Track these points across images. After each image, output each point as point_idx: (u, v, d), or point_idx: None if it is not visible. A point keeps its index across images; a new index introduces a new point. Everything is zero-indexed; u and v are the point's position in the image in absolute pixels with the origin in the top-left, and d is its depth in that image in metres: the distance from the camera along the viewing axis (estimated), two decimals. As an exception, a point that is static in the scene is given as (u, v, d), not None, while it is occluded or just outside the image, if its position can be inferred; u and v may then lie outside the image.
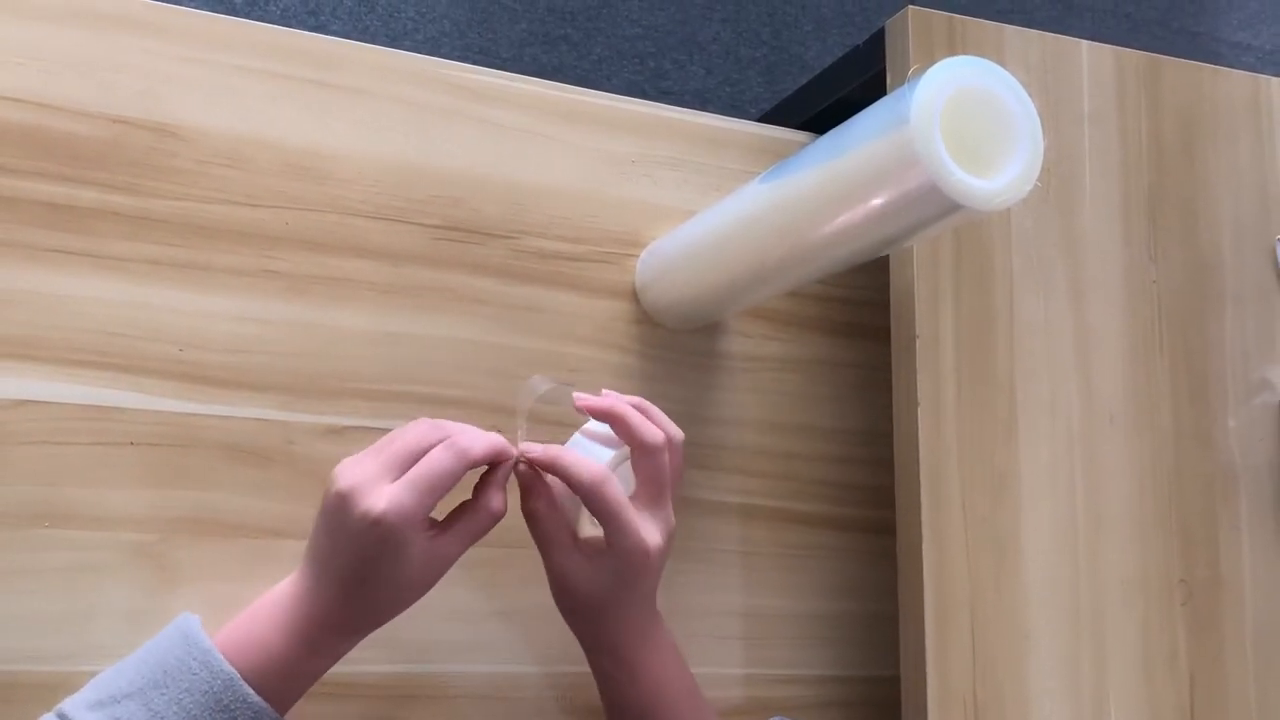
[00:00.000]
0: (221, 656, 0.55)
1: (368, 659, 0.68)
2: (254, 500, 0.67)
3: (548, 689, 0.72)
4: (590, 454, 0.63)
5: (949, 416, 0.74)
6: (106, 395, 0.65)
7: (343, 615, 0.58)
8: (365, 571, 0.57)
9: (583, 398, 0.63)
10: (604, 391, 0.64)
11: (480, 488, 0.61)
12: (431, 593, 0.70)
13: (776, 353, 0.81)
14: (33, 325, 0.64)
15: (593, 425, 0.64)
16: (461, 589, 0.71)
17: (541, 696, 0.72)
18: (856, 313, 0.84)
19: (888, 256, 0.77)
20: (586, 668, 0.73)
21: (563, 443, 0.65)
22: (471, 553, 0.71)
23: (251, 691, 0.55)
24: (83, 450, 0.64)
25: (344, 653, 0.60)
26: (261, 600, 0.59)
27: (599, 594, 0.62)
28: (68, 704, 0.55)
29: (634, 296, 0.78)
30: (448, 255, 0.73)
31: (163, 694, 0.54)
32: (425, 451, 0.57)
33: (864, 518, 0.82)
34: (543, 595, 0.73)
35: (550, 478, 0.62)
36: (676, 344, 0.78)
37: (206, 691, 0.54)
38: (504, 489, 0.61)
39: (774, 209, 0.63)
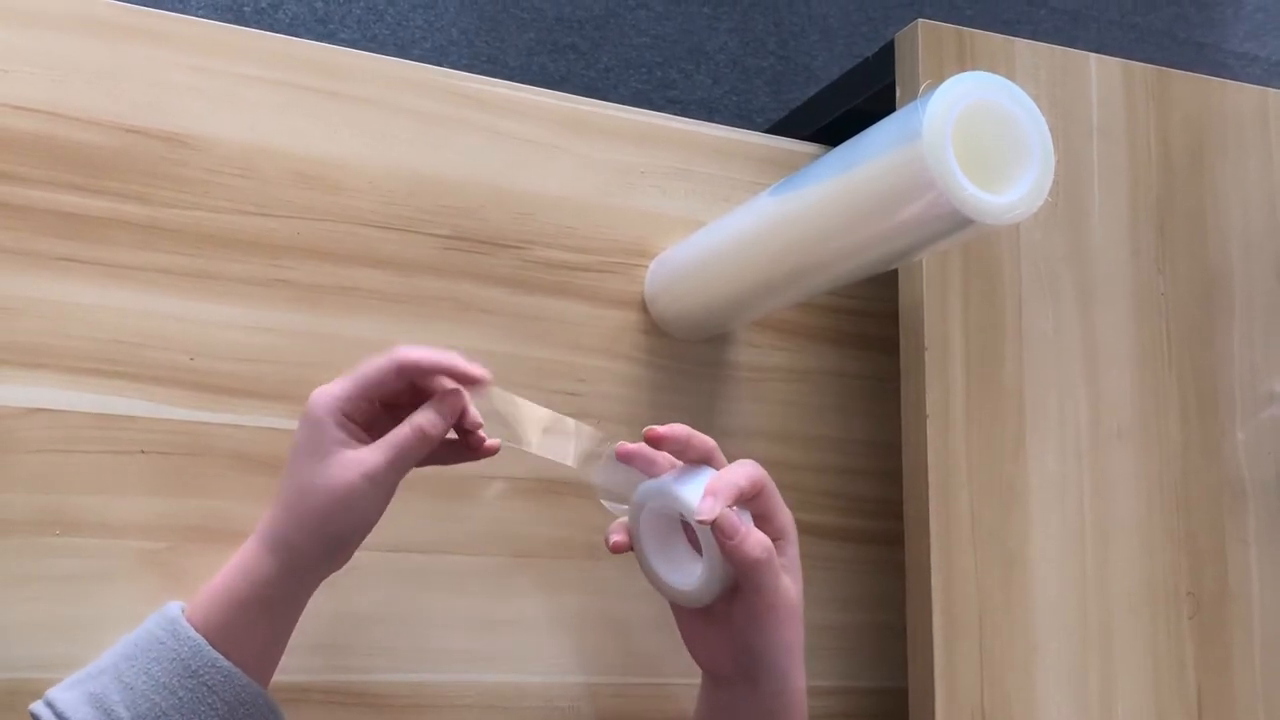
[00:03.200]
0: (188, 624, 0.56)
1: (374, 668, 0.68)
2: (263, 509, 0.66)
3: (555, 699, 0.72)
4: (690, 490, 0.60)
5: (957, 428, 0.74)
6: (117, 403, 0.65)
7: (267, 522, 0.58)
8: (290, 461, 0.58)
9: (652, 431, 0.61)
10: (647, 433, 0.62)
11: (421, 408, 0.59)
12: (437, 601, 0.70)
13: (785, 363, 0.81)
14: (43, 333, 0.64)
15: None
16: (468, 598, 0.71)
17: (548, 707, 0.72)
18: (865, 324, 0.84)
19: (897, 268, 0.77)
20: (593, 678, 0.73)
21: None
22: (478, 561, 0.71)
23: (219, 655, 0.55)
24: (92, 458, 0.64)
25: (309, 584, 0.59)
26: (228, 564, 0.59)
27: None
28: (52, 689, 0.56)
29: (643, 306, 0.78)
30: (457, 265, 0.74)
31: (132, 665, 0.54)
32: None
33: (872, 529, 0.82)
34: (548, 605, 0.73)
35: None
36: (685, 354, 0.78)
37: (174, 659, 0.54)
38: (443, 414, 0.59)
39: (784, 222, 0.63)
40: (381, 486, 0.57)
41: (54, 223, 0.65)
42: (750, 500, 0.60)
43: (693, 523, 0.59)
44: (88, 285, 0.65)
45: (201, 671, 0.55)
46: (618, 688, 0.73)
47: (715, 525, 0.57)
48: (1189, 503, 0.80)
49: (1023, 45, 0.81)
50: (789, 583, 0.60)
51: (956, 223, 0.53)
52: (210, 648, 0.55)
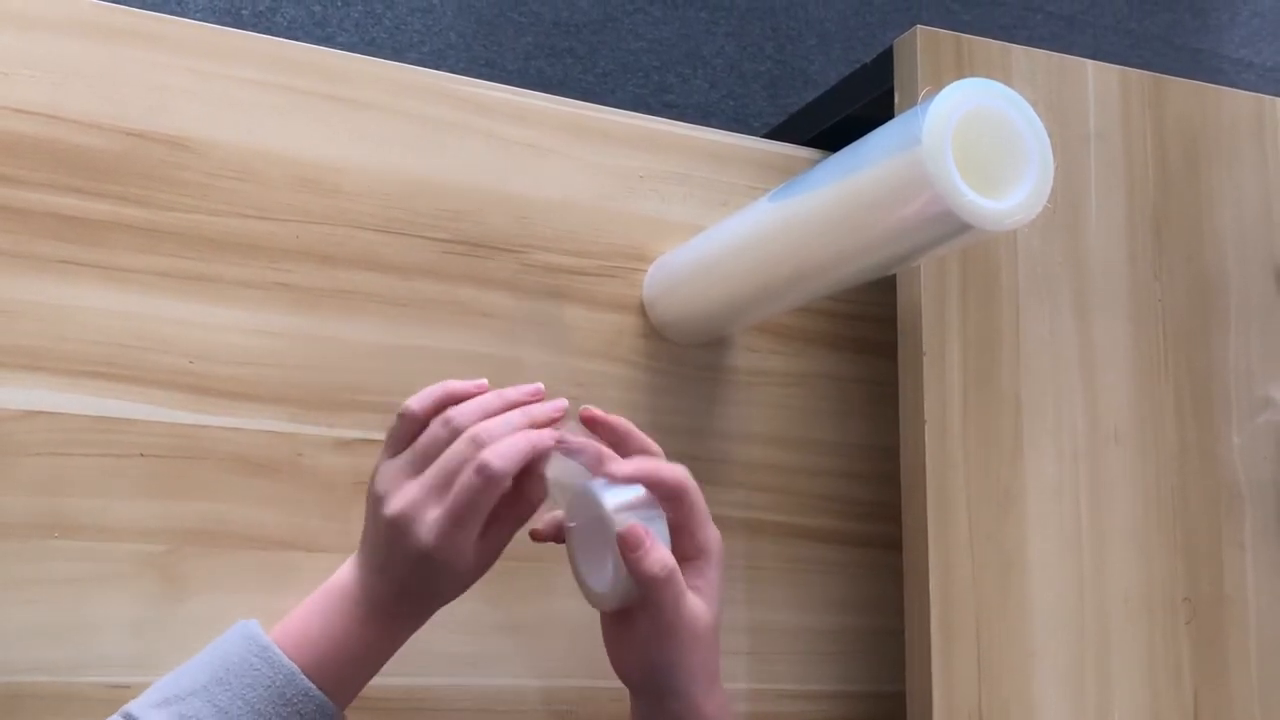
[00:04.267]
0: (281, 652, 0.56)
1: (374, 672, 0.68)
2: (262, 512, 0.67)
3: (553, 704, 0.72)
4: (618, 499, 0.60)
5: (955, 432, 0.74)
6: (116, 406, 0.65)
7: (398, 608, 0.60)
8: (420, 586, 0.59)
9: (588, 412, 0.62)
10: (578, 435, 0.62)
11: (518, 478, 0.59)
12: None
13: (783, 367, 0.82)
14: (43, 336, 0.64)
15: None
16: (465, 602, 0.71)
17: (547, 711, 0.72)
18: (863, 328, 0.84)
19: (895, 273, 0.77)
20: (589, 682, 0.73)
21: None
22: (478, 566, 0.71)
23: (312, 685, 0.56)
24: (92, 461, 0.64)
25: (402, 640, 0.61)
26: (316, 596, 0.60)
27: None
28: (133, 705, 0.55)
29: (641, 311, 0.78)
30: (456, 269, 0.74)
31: (226, 690, 0.55)
32: (462, 465, 0.57)
33: (870, 533, 0.82)
34: (546, 609, 0.73)
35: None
36: (683, 358, 0.79)
37: (269, 686, 0.55)
38: (542, 474, 0.60)
39: (783, 227, 0.63)
40: (451, 539, 0.57)
41: (54, 226, 0.65)
42: (673, 510, 0.60)
43: (609, 524, 0.58)
44: (87, 288, 0.66)
45: (295, 700, 0.55)
46: (616, 692, 0.73)
47: (620, 536, 0.57)
48: (1185, 507, 0.81)
49: (1020, 52, 0.81)
50: (696, 604, 0.59)
51: (955, 228, 0.53)
52: (304, 677, 0.56)
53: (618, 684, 0.68)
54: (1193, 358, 0.83)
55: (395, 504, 0.58)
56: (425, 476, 0.58)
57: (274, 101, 0.71)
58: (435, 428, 0.59)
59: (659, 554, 0.57)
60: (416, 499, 0.57)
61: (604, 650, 0.63)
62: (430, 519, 0.57)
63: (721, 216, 0.75)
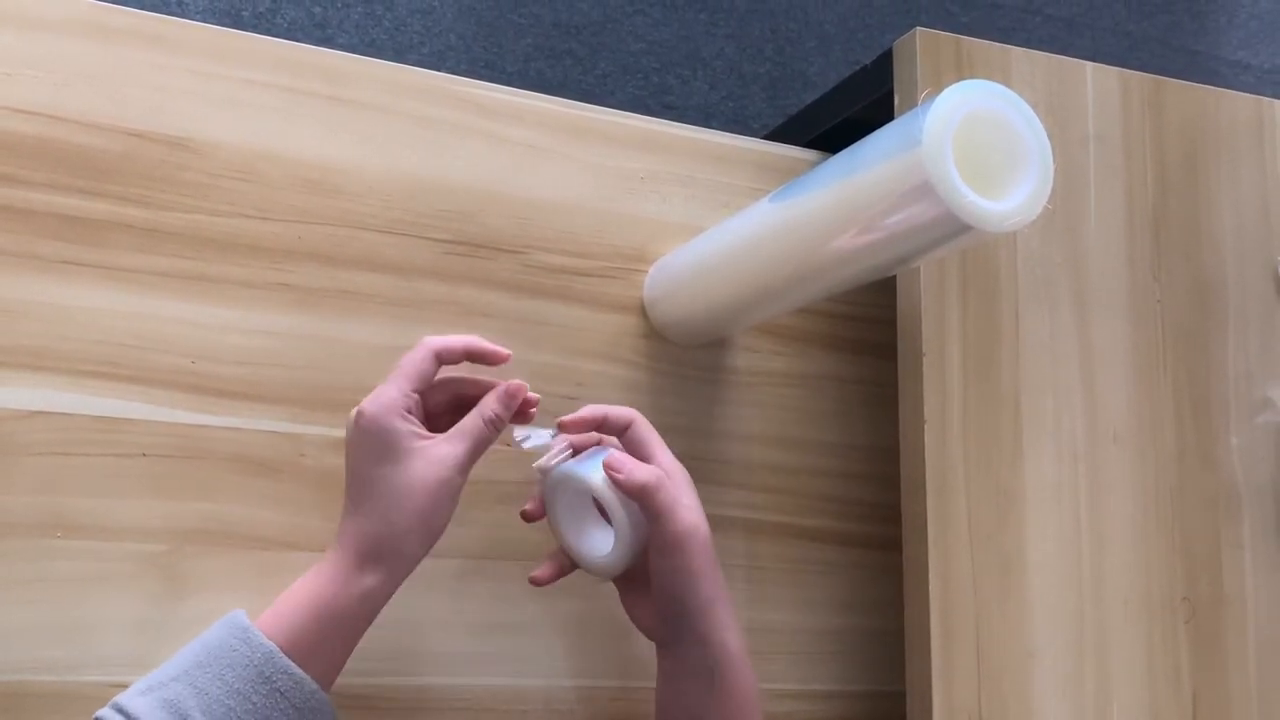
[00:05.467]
0: (260, 633, 0.56)
1: (374, 671, 0.68)
2: (264, 512, 0.67)
3: (554, 703, 0.72)
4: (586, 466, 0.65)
5: (955, 433, 0.75)
6: (118, 406, 0.65)
7: (360, 537, 0.59)
8: (366, 472, 0.59)
9: (566, 420, 0.66)
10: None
11: (486, 398, 0.63)
12: (437, 605, 0.70)
13: (783, 368, 0.82)
14: (45, 336, 0.64)
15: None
16: (467, 602, 0.71)
17: (547, 710, 0.72)
18: (863, 329, 0.84)
19: (895, 275, 0.77)
20: (590, 682, 0.73)
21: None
22: (478, 565, 0.71)
23: (292, 663, 0.56)
24: (93, 461, 0.64)
25: (377, 597, 0.60)
26: (299, 579, 0.60)
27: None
28: (120, 696, 0.55)
29: (642, 311, 0.78)
30: (457, 269, 0.74)
31: (206, 672, 0.55)
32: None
33: (869, 533, 0.82)
34: (546, 609, 0.73)
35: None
36: (684, 359, 0.79)
37: (248, 665, 0.55)
38: (504, 402, 0.63)
39: (784, 228, 0.63)
40: (464, 476, 0.60)
41: (55, 226, 0.66)
42: (629, 445, 0.65)
43: (590, 488, 0.63)
44: (89, 288, 0.66)
45: (274, 677, 0.55)
46: (616, 691, 0.73)
47: (606, 464, 0.62)
48: (1184, 508, 0.81)
49: (1019, 54, 0.82)
50: (690, 512, 0.62)
51: (956, 229, 0.53)
52: (282, 655, 0.56)
53: (618, 683, 0.68)
54: (1191, 359, 0.83)
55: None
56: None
57: (276, 102, 0.71)
58: None
59: (645, 467, 0.62)
60: (373, 398, 0.61)
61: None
62: (378, 395, 0.60)
63: (722, 218, 0.76)
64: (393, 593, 0.60)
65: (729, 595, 0.64)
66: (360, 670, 0.68)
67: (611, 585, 0.69)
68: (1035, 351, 0.78)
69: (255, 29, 1.42)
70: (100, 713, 0.54)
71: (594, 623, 0.73)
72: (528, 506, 0.68)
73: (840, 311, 0.84)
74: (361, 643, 0.68)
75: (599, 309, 0.77)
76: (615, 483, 0.62)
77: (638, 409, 0.76)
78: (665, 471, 0.63)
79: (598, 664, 0.73)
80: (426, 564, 0.70)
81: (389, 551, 0.59)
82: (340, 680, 0.61)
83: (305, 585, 0.59)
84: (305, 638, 0.57)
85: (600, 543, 0.67)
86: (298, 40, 0.75)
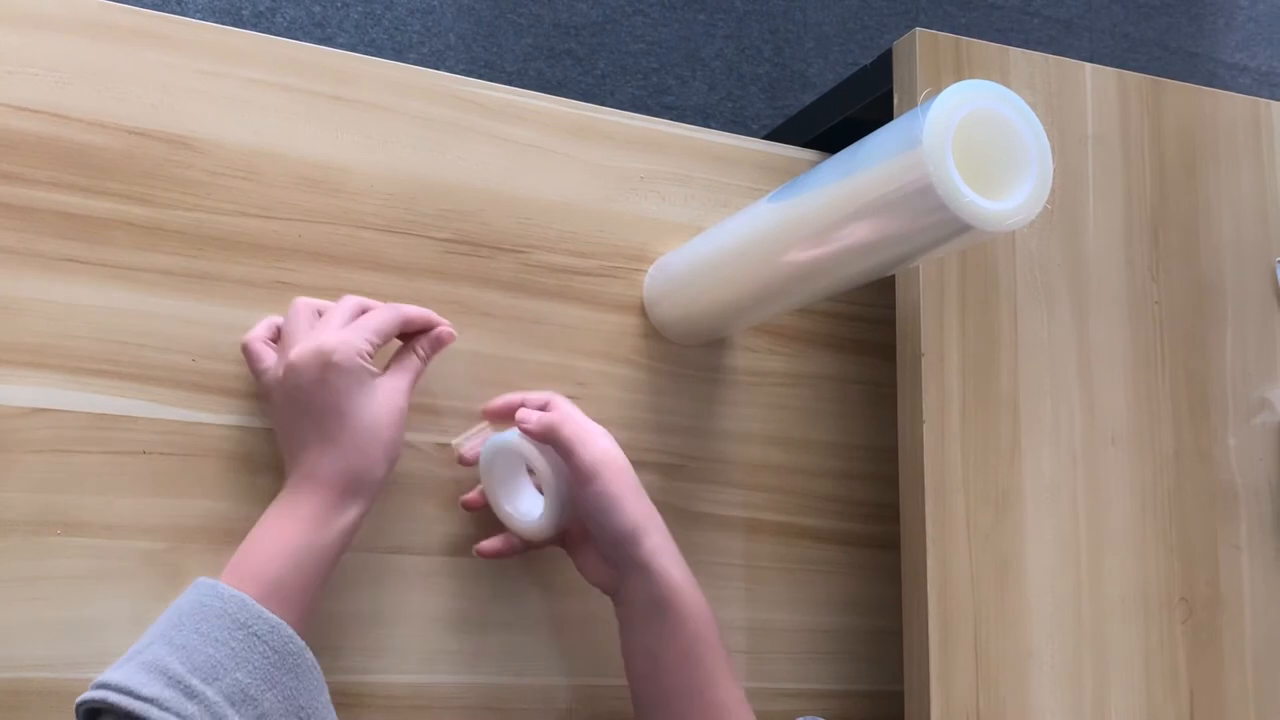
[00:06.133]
0: (229, 586, 0.57)
1: (373, 668, 0.68)
2: (264, 510, 0.67)
3: (554, 701, 0.72)
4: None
5: (953, 433, 0.75)
6: (119, 404, 0.65)
7: (340, 472, 0.62)
8: (340, 408, 0.62)
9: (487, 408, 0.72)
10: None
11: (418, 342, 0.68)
12: (437, 603, 0.70)
13: (782, 368, 0.82)
14: (46, 334, 0.65)
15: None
16: (467, 600, 0.71)
17: (547, 708, 0.72)
18: (862, 329, 0.85)
19: (894, 275, 0.78)
20: (591, 680, 0.73)
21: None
22: (478, 563, 0.72)
23: (264, 609, 0.56)
24: (94, 459, 0.65)
25: (356, 525, 0.62)
26: (262, 528, 0.61)
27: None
28: (98, 678, 0.55)
29: (642, 311, 0.78)
30: (458, 269, 0.74)
31: (182, 630, 0.55)
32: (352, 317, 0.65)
33: (868, 533, 0.82)
34: (546, 608, 0.73)
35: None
36: (683, 358, 0.79)
37: (222, 614, 0.55)
38: (434, 345, 0.68)
39: (783, 228, 0.64)
40: (408, 403, 0.66)
41: (57, 223, 0.66)
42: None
43: (509, 445, 0.67)
44: (90, 286, 0.66)
45: (250, 623, 0.55)
46: (616, 689, 0.73)
47: (516, 420, 0.66)
48: (1182, 508, 0.81)
49: (1018, 54, 0.82)
50: (600, 439, 0.65)
51: (956, 229, 0.53)
52: (255, 603, 0.56)
53: (617, 682, 0.68)
54: (1189, 359, 0.83)
55: (293, 351, 0.63)
56: (314, 327, 0.65)
57: (277, 101, 0.71)
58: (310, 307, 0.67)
59: (547, 413, 0.66)
60: (305, 334, 0.64)
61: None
62: (348, 336, 0.63)
63: (722, 217, 0.76)
64: (359, 524, 0.63)
65: (664, 528, 0.66)
66: (360, 668, 0.68)
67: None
68: (1033, 352, 0.78)
69: (255, 27, 1.42)
70: (82, 696, 0.54)
71: (594, 621, 0.73)
72: (467, 496, 0.71)
73: (839, 311, 0.84)
74: (360, 640, 0.68)
75: (599, 308, 0.77)
76: (524, 432, 0.66)
77: (638, 409, 0.77)
78: (578, 424, 0.66)
79: (597, 662, 0.73)
80: (428, 562, 0.70)
81: (368, 482, 0.62)
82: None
83: (278, 533, 0.60)
84: (285, 587, 0.58)
85: (534, 505, 0.69)
86: (297, 39, 0.75)
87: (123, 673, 0.53)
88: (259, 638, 0.55)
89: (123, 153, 0.68)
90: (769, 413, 0.81)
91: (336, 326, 0.64)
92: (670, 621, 0.63)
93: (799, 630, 0.79)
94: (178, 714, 0.51)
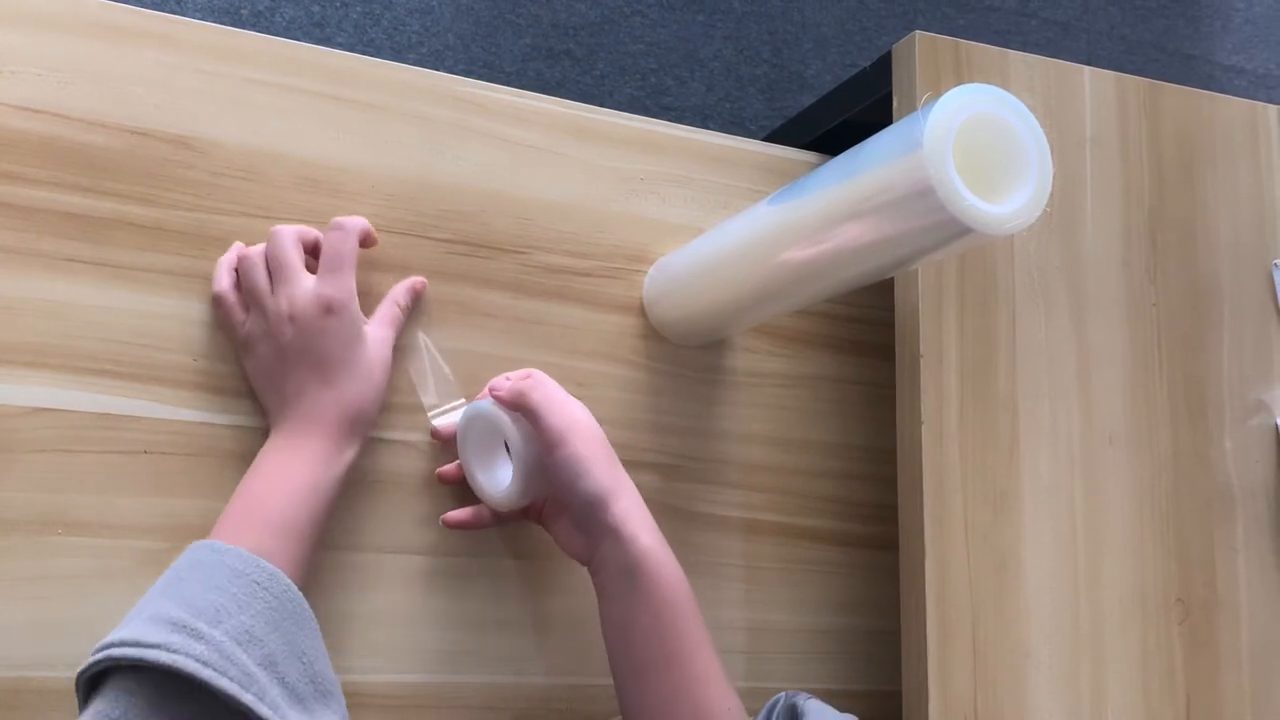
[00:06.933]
0: (224, 543, 0.57)
1: (372, 668, 0.68)
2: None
3: (552, 701, 0.73)
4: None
5: (952, 434, 0.75)
6: (120, 404, 0.65)
7: (343, 412, 0.65)
8: (340, 354, 0.65)
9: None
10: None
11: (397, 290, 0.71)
12: (436, 602, 0.70)
13: (781, 369, 0.82)
14: (48, 333, 0.65)
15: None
16: (466, 599, 0.71)
17: (546, 708, 0.72)
18: (861, 331, 0.85)
19: (893, 276, 0.78)
20: (589, 679, 0.73)
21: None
22: (477, 563, 0.72)
23: (261, 559, 0.56)
24: (95, 458, 0.65)
25: (353, 463, 0.65)
26: (259, 475, 0.62)
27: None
28: (99, 644, 0.53)
29: (641, 312, 0.79)
30: (458, 269, 0.74)
31: (184, 584, 0.55)
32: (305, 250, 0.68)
33: (867, 534, 0.83)
34: (544, 607, 0.73)
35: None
36: (683, 359, 0.79)
37: (219, 566, 0.56)
38: (413, 296, 0.72)
39: (783, 230, 0.64)
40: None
41: (58, 223, 0.66)
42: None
43: (481, 412, 0.67)
44: (92, 286, 0.66)
45: (248, 571, 0.56)
46: (614, 689, 0.74)
47: (489, 392, 0.67)
48: (1179, 509, 0.81)
49: (1017, 57, 0.82)
50: (567, 401, 0.66)
51: (956, 232, 0.54)
52: (251, 554, 0.57)
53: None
54: (1187, 361, 0.84)
55: (280, 301, 0.66)
56: (275, 270, 0.67)
57: (278, 101, 0.71)
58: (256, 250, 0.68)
59: (515, 382, 0.66)
60: (336, 283, 0.67)
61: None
62: (339, 282, 0.66)
63: (721, 218, 0.76)
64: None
65: (636, 494, 0.65)
66: (360, 668, 0.68)
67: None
68: (1032, 353, 0.79)
69: (254, 27, 1.42)
70: (84, 665, 0.52)
71: (592, 621, 0.73)
72: (443, 468, 0.72)
73: (839, 313, 0.84)
74: (358, 640, 0.68)
75: (599, 309, 0.77)
76: (496, 400, 0.66)
77: (637, 409, 0.77)
78: (547, 391, 0.66)
79: (597, 661, 0.74)
80: (427, 561, 0.71)
81: (365, 421, 0.66)
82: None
83: (285, 474, 0.62)
84: (298, 526, 0.60)
85: (507, 475, 0.68)
86: (296, 39, 0.75)
87: (124, 631, 0.53)
88: (259, 584, 0.56)
89: (124, 153, 0.68)
90: (768, 413, 0.81)
91: (298, 269, 0.66)
92: (640, 587, 0.62)
93: (798, 630, 0.80)
94: (187, 654, 0.50)
